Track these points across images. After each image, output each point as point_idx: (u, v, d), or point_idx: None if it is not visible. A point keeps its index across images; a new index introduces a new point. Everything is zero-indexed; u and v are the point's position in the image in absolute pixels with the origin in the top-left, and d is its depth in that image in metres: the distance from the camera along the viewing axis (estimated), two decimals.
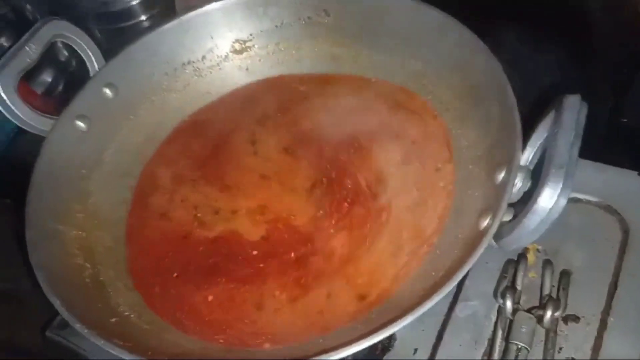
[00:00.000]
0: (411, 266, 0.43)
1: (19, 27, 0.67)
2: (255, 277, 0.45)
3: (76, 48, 0.53)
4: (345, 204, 0.48)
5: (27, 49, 0.48)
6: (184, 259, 0.47)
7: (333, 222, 0.47)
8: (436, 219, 0.44)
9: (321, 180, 0.50)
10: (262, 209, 0.49)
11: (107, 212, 0.50)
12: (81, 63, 0.60)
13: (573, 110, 0.36)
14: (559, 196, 0.34)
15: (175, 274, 0.46)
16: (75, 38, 0.52)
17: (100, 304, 0.42)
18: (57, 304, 0.38)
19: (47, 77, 0.68)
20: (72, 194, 0.49)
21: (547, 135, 0.39)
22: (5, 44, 0.65)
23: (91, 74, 0.53)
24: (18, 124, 0.48)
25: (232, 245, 0.47)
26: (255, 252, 0.47)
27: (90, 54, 0.53)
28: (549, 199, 0.34)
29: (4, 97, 0.46)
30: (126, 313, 0.43)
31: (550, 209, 0.34)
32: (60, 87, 0.68)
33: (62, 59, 0.69)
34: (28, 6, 0.72)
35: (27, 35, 0.49)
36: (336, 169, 0.50)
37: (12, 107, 0.47)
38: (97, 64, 0.53)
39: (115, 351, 0.36)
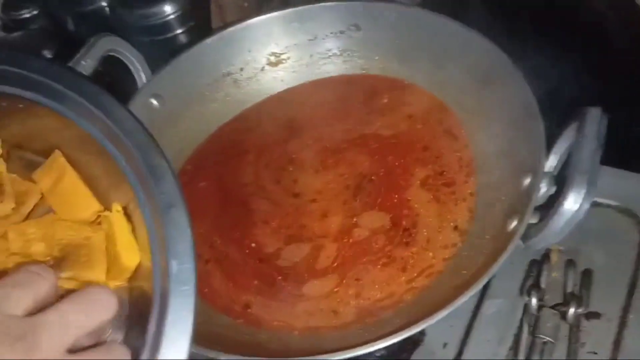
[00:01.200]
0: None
1: (60, 39, 0.72)
2: None
3: (125, 62, 0.56)
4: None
5: (84, 63, 0.52)
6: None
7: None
8: (465, 223, 0.48)
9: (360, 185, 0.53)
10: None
11: None
12: (119, 72, 0.64)
13: (595, 122, 0.39)
14: (583, 200, 0.37)
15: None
16: (125, 52, 0.55)
17: None
18: None
19: None
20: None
21: (571, 144, 0.41)
22: (48, 56, 0.69)
23: (139, 85, 0.56)
24: None
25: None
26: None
27: (139, 67, 0.56)
28: (573, 203, 0.37)
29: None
30: None
31: (575, 212, 0.37)
32: None
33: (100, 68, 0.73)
34: (69, 19, 0.76)
35: (83, 50, 0.53)
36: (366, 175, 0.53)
37: None
38: (145, 76, 0.57)
39: None
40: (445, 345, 0.48)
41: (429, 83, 0.56)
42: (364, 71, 0.60)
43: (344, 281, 0.47)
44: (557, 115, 0.45)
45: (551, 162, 0.44)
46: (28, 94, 0.34)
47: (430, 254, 0.47)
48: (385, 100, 0.57)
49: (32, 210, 0.38)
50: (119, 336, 0.33)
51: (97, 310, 0.29)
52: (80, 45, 0.58)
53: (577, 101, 0.43)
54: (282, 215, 0.51)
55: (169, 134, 0.58)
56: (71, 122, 0.34)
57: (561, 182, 0.41)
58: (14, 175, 0.39)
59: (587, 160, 0.37)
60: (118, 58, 0.56)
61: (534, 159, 0.42)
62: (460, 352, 0.47)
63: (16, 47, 0.70)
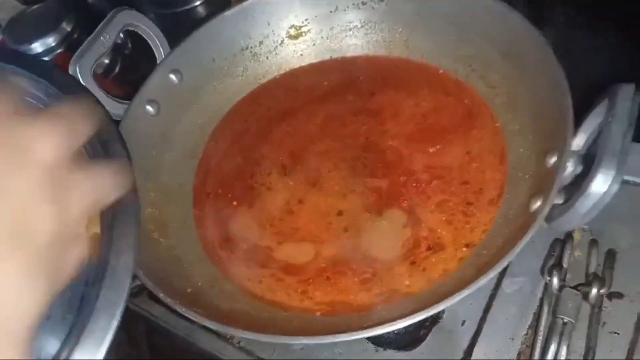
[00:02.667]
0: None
1: (79, 11, 0.71)
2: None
3: (144, 36, 0.56)
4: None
5: (102, 38, 0.52)
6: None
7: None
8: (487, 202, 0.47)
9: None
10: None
11: (176, 189, 0.53)
12: (136, 45, 0.64)
13: (627, 100, 0.37)
14: (611, 182, 0.36)
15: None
16: (143, 27, 0.55)
17: (177, 275, 0.46)
18: (140, 274, 0.42)
19: (104, 59, 0.72)
20: (144, 174, 0.52)
21: (600, 122, 0.40)
22: (67, 29, 0.69)
23: (158, 60, 0.56)
24: None
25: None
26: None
27: (157, 42, 0.56)
28: (601, 184, 0.36)
29: (84, 84, 0.50)
30: (199, 284, 0.47)
31: (602, 195, 0.36)
32: (117, 69, 0.72)
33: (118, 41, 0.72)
34: None
35: (101, 25, 0.53)
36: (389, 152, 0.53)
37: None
38: (164, 51, 0.56)
39: (195, 318, 0.40)
40: (463, 322, 0.48)
41: (453, 57, 0.55)
42: (385, 44, 0.59)
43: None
44: (586, 91, 0.43)
45: (579, 141, 0.42)
46: None
47: None
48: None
49: None
50: None
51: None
52: (99, 18, 0.58)
53: (609, 77, 0.42)
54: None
55: (191, 109, 0.58)
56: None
57: (589, 160, 0.40)
58: None
59: (617, 141, 0.36)
60: (138, 32, 0.56)
61: (560, 136, 0.41)
62: (478, 330, 0.47)
63: (35, 19, 0.70)
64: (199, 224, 0.52)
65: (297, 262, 0.48)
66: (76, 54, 0.51)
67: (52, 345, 0.30)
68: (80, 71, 0.50)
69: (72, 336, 0.29)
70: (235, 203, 0.52)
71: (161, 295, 0.41)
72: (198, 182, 0.55)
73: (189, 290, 0.45)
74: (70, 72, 0.50)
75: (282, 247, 0.49)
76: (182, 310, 0.40)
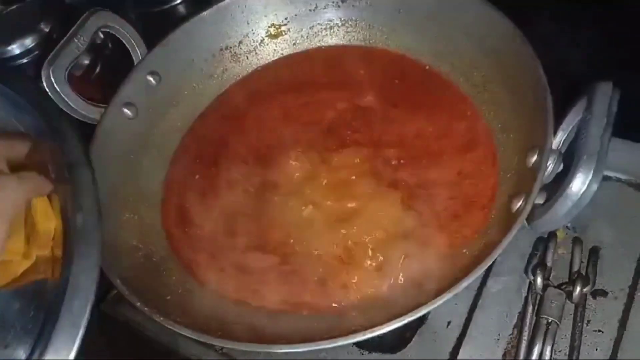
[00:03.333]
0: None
1: (57, 12, 0.70)
2: None
3: (120, 37, 0.55)
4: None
5: (76, 40, 0.51)
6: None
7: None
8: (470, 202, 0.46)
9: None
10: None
11: (155, 194, 0.53)
12: (116, 47, 0.63)
13: (605, 98, 0.37)
14: (590, 182, 0.35)
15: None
16: (119, 28, 0.54)
17: (155, 283, 0.45)
18: (117, 282, 0.41)
19: (84, 61, 0.70)
20: (122, 178, 0.51)
21: (579, 120, 0.40)
22: (45, 29, 0.67)
23: (135, 63, 0.55)
24: (71, 114, 0.51)
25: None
26: None
27: (133, 43, 0.54)
28: (581, 184, 0.36)
29: (58, 88, 0.49)
30: (179, 291, 0.46)
31: (582, 195, 0.36)
32: (97, 71, 0.71)
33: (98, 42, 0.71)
34: None
35: (75, 26, 0.51)
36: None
37: (65, 98, 0.49)
38: (141, 52, 0.55)
39: (173, 327, 0.39)
40: (449, 323, 0.48)
41: (434, 55, 0.54)
42: (365, 42, 0.58)
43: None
44: (566, 89, 0.43)
45: (559, 139, 0.42)
46: None
47: None
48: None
49: None
50: None
51: None
52: (77, 19, 0.57)
53: (588, 74, 0.41)
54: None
55: (170, 111, 0.57)
56: None
57: (569, 159, 0.39)
58: None
59: (595, 140, 0.36)
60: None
61: (541, 135, 0.41)
62: (464, 331, 0.47)
63: (13, 20, 0.69)
64: (169, 233, 0.51)
65: (268, 265, 0.47)
66: (49, 57, 0.50)
67: None
68: (54, 74, 0.49)
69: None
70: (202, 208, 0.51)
71: (138, 304, 0.40)
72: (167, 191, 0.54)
73: (168, 298, 0.44)
74: (43, 75, 0.49)
75: (255, 252, 0.48)
76: (159, 319, 0.39)
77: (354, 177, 0.49)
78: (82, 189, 0.32)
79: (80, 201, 0.32)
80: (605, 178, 0.50)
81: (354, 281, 0.44)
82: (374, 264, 0.45)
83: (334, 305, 0.44)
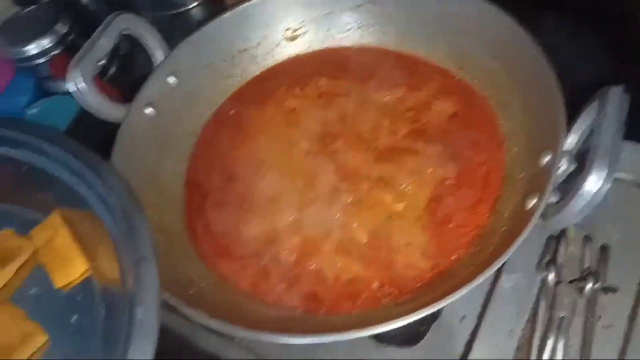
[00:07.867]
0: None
1: (74, 13, 0.71)
2: None
3: (142, 39, 0.56)
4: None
5: (100, 42, 0.52)
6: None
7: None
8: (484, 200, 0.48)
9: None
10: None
11: (177, 193, 0.54)
12: (132, 47, 0.64)
13: (617, 101, 0.38)
14: (603, 181, 0.37)
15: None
16: (141, 30, 0.55)
17: (180, 277, 0.47)
18: None
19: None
20: (144, 176, 0.52)
21: (592, 122, 0.41)
22: (63, 30, 0.69)
23: (155, 64, 0.56)
24: (94, 114, 0.52)
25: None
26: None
27: (155, 45, 0.56)
28: (594, 184, 0.37)
29: (84, 89, 0.50)
30: (202, 284, 0.47)
31: (595, 194, 0.37)
32: (112, 71, 0.72)
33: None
34: None
35: (99, 29, 0.52)
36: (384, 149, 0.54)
37: (90, 99, 0.51)
38: (162, 54, 0.56)
39: (200, 318, 0.41)
40: (462, 318, 0.49)
41: (446, 59, 0.55)
42: (380, 44, 0.59)
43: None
44: (576, 92, 0.44)
45: (571, 140, 0.43)
46: (27, 158, 0.39)
47: None
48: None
49: (23, 265, 0.41)
50: None
51: None
52: (95, 19, 0.58)
53: (598, 78, 0.43)
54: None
55: (191, 111, 0.58)
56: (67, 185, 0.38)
57: (581, 158, 0.41)
58: (11, 231, 0.41)
59: (608, 142, 0.37)
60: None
61: (553, 137, 0.42)
62: (477, 326, 0.48)
63: (30, 21, 0.70)
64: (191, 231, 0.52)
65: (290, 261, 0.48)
66: (74, 58, 0.51)
67: None
68: (80, 76, 0.50)
69: None
70: (224, 205, 0.53)
71: (165, 296, 0.41)
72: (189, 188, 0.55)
73: (191, 292, 0.46)
74: (71, 76, 0.50)
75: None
76: (187, 310, 0.41)
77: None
78: (146, 283, 0.33)
79: (142, 295, 0.33)
80: (616, 179, 0.52)
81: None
82: None
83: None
